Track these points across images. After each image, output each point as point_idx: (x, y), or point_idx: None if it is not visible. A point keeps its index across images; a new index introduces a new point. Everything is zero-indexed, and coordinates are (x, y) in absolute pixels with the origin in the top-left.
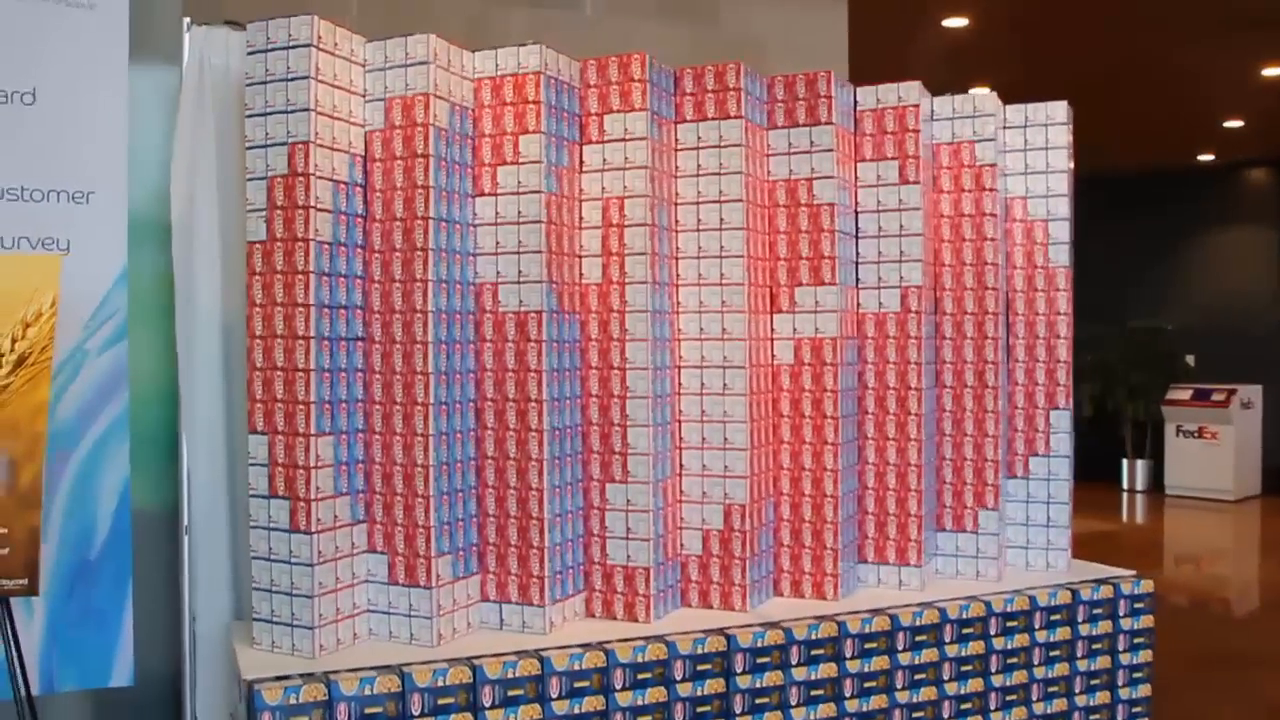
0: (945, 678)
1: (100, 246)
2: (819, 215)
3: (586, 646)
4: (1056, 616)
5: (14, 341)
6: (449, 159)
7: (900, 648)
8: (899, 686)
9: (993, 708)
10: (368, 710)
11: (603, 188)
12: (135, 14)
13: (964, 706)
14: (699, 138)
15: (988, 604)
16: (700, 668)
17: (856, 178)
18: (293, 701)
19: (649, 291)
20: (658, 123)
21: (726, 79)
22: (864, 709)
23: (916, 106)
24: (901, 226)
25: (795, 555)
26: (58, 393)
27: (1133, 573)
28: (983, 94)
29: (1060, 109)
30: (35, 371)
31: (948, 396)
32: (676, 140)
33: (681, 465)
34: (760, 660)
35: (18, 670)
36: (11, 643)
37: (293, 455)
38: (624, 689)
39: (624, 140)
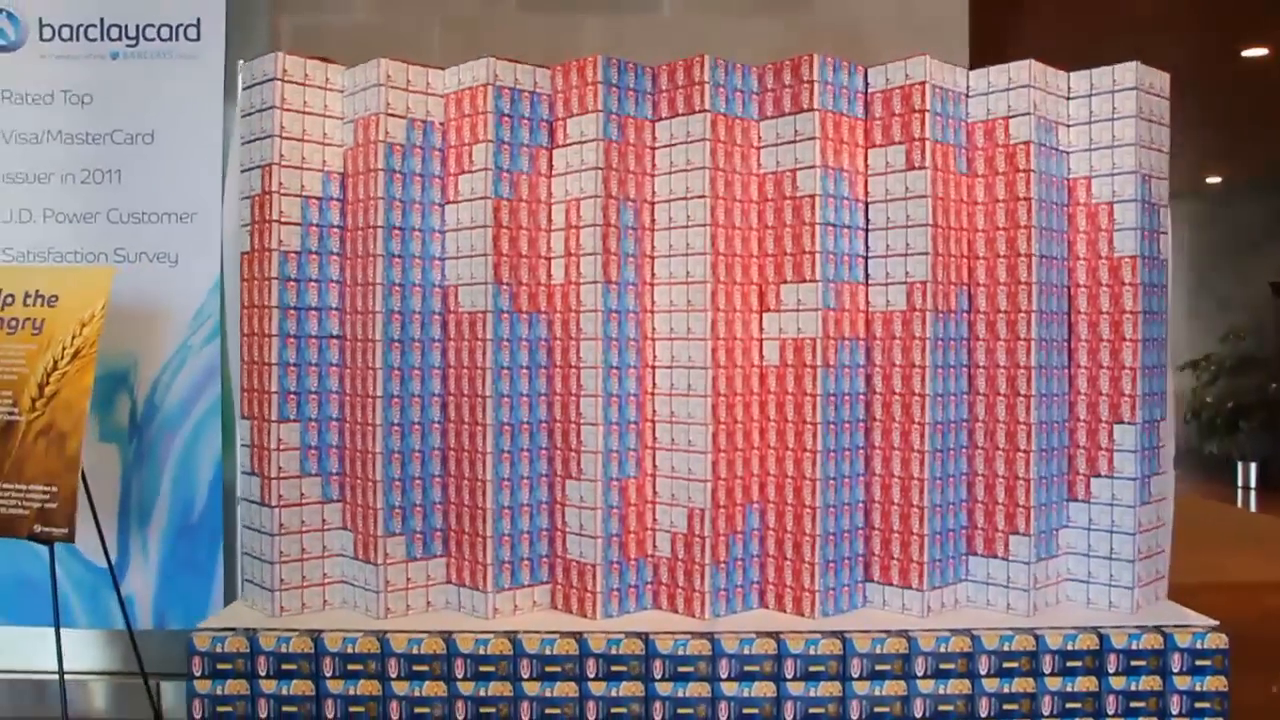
0: (917, 716)
1: (200, 259)
2: (801, 208)
3: (495, 633)
4: (1075, 663)
5: (74, 337)
6: (406, 171)
7: (857, 675)
8: (855, 717)
9: None
10: (284, 666)
11: (565, 190)
12: (231, 61)
13: None
14: (671, 134)
15: (976, 639)
16: (615, 669)
17: (867, 166)
18: (219, 650)
19: (599, 291)
20: (622, 122)
21: (694, 73)
22: None
23: (922, 84)
24: (907, 217)
25: (779, 567)
26: (168, 381)
27: (1210, 623)
28: (1020, 64)
29: (1129, 71)
30: (85, 362)
31: (981, 404)
32: (655, 138)
33: (655, 466)
34: (683, 670)
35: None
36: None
37: (262, 438)
38: (532, 679)
39: (580, 143)
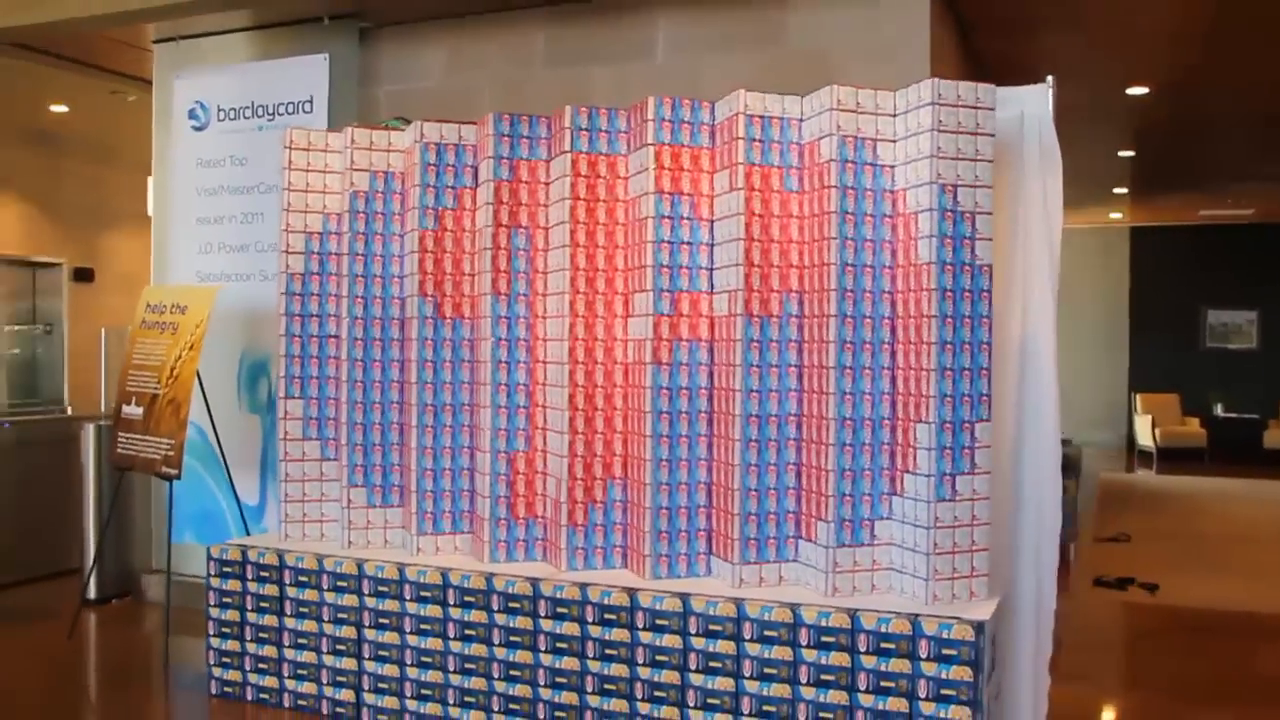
0: (691, 668)
1: None
2: (641, 229)
3: (388, 562)
4: (829, 639)
5: (190, 335)
6: (369, 211)
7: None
8: (640, 661)
9: (745, 712)
10: (261, 573)
11: (477, 221)
12: (331, 126)
13: (710, 701)
14: (553, 172)
15: (740, 606)
16: (467, 599)
17: (713, 189)
18: (225, 557)
19: (489, 301)
20: (514, 164)
21: (563, 120)
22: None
23: (736, 115)
24: (729, 233)
25: (630, 534)
26: None
27: (976, 619)
28: (825, 90)
29: (926, 88)
30: (195, 353)
31: (805, 400)
32: (548, 175)
33: (546, 443)
34: (513, 605)
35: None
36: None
37: (277, 411)
38: (411, 600)
39: (482, 183)
